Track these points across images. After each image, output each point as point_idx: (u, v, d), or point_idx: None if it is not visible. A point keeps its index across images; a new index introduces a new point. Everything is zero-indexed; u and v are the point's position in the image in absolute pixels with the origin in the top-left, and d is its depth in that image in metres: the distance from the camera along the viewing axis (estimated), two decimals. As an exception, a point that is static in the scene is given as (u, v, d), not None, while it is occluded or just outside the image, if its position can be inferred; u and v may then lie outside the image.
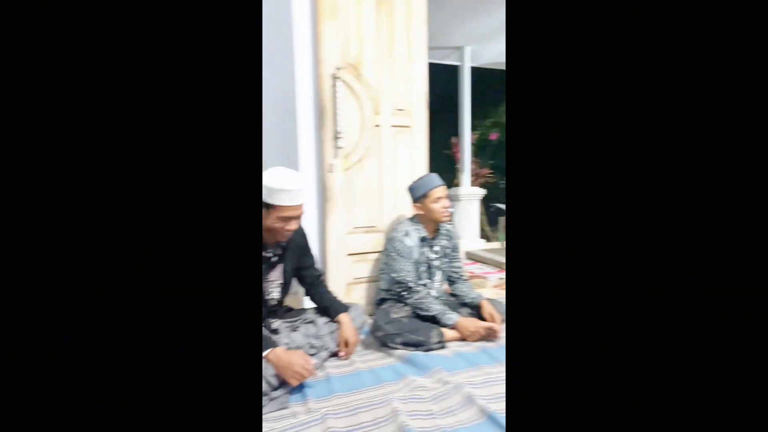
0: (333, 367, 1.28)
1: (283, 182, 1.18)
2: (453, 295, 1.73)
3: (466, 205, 3.85)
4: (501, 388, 1.11)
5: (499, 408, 0.99)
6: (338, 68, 1.70)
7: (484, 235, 4.20)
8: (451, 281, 1.73)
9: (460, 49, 3.78)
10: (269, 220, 1.20)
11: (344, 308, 1.40)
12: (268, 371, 1.07)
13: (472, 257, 3.19)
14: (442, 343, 1.41)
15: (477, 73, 4.08)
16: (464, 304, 1.65)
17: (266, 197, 1.18)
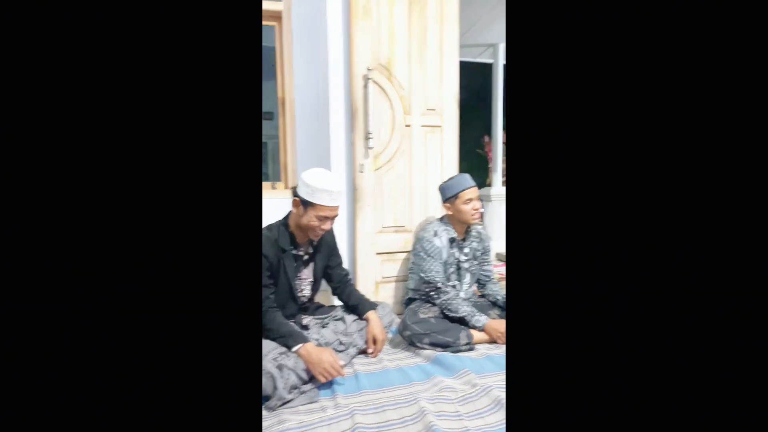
0: (361, 364, 1.30)
1: (325, 182, 1.22)
2: (483, 295, 1.71)
3: (498, 205, 3.77)
4: (531, 394, 1.09)
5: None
6: (370, 69, 1.72)
7: (517, 236, 4.10)
8: (481, 284, 1.71)
9: (494, 46, 3.71)
10: (306, 218, 1.24)
11: (372, 306, 1.41)
12: (299, 365, 1.10)
13: (503, 259, 3.12)
14: (470, 345, 1.40)
15: (511, 70, 3.98)
16: (495, 304, 1.63)
17: (307, 196, 1.22)
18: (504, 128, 3.93)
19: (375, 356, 1.36)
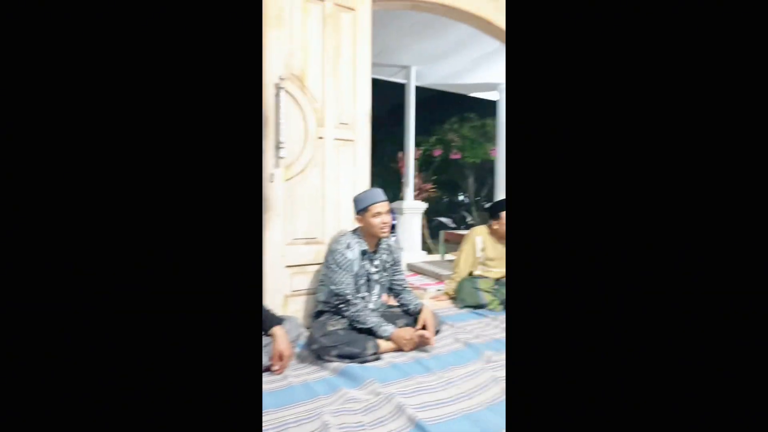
0: (265, 382, 1.25)
1: None
2: (392, 306, 1.77)
3: (409, 218, 3.95)
4: (430, 397, 1.15)
5: (428, 416, 1.03)
6: (282, 78, 1.69)
7: (426, 248, 4.33)
8: (396, 293, 1.75)
9: (407, 68, 3.92)
10: None
11: (278, 321, 1.37)
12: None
13: (413, 269, 3.27)
14: (377, 355, 1.43)
15: (424, 92, 4.25)
16: (406, 313, 1.68)
17: None
18: (417, 146, 4.16)
19: (280, 373, 1.31)
